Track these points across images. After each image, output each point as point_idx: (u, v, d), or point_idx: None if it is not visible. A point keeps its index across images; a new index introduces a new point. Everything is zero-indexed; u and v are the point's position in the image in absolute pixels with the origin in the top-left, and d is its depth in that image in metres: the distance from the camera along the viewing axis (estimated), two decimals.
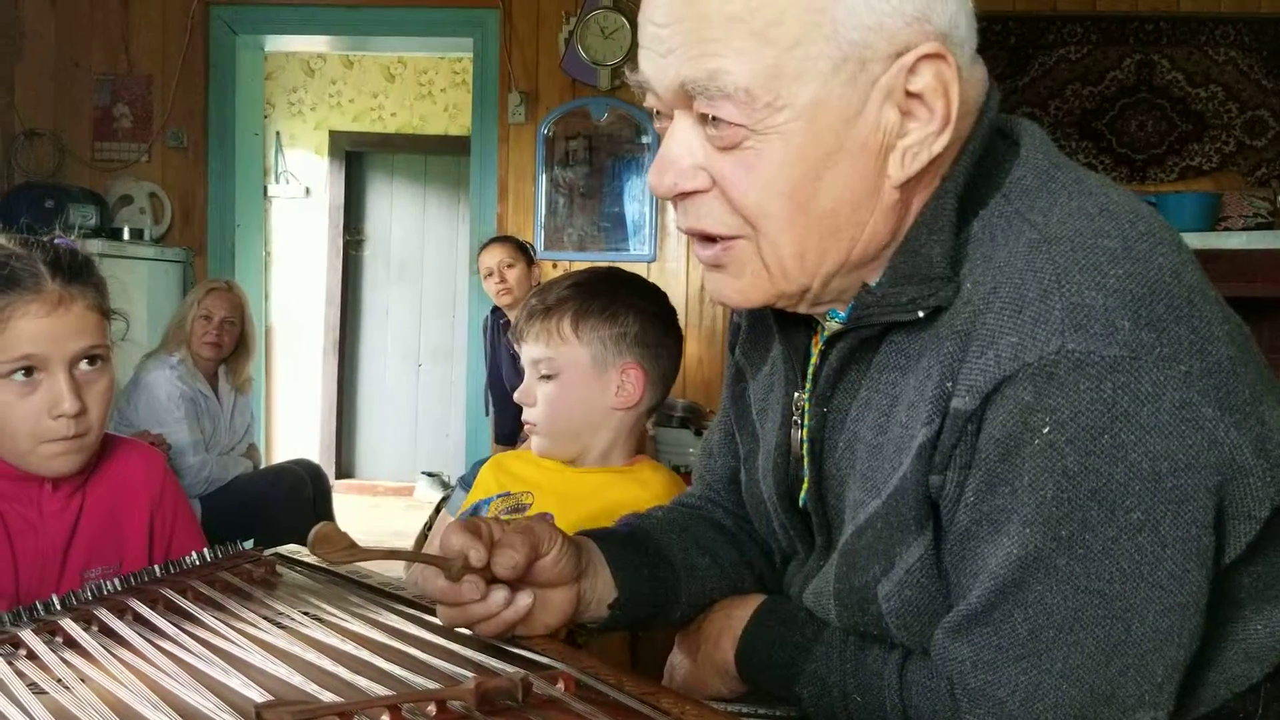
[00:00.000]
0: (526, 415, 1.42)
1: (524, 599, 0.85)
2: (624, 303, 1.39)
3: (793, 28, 0.73)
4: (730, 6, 0.74)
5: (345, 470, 6.15)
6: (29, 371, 1.23)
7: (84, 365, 1.27)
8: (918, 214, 0.81)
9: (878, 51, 0.74)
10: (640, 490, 1.37)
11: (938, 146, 0.77)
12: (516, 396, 1.42)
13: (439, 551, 0.84)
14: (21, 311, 1.22)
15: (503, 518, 1.39)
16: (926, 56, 0.74)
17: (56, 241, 1.31)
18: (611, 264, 4.19)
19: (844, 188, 0.77)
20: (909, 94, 0.76)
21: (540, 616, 0.88)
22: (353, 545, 0.77)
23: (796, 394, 0.92)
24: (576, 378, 1.37)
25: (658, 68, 0.78)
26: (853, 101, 0.75)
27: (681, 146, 0.79)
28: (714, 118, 0.76)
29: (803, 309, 0.86)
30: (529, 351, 1.40)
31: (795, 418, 0.92)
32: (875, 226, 0.80)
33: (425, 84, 5.91)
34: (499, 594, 0.84)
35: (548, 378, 1.38)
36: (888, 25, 0.73)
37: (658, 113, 0.83)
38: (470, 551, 0.82)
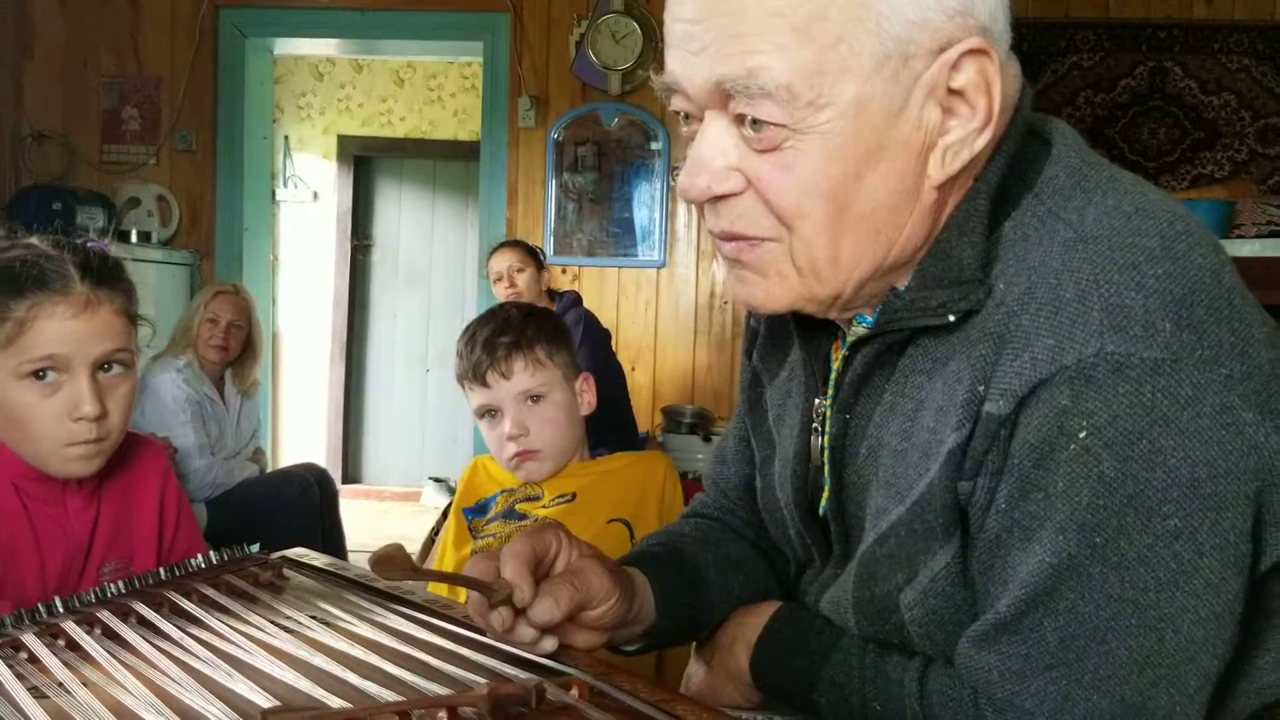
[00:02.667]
0: (524, 445, 1.48)
1: (548, 645, 0.82)
2: (558, 323, 1.57)
3: (835, 23, 0.70)
4: (770, 2, 0.71)
5: (352, 475, 6.13)
6: (50, 372, 1.22)
7: (107, 370, 1.26)
8: (949, 215, 0.79)
9: (921, 47, 0.72)
10: (629, 458, 1.59)
11: (979, 144, 0.75)
12: (510, 432, 1.48)
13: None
14: (48, 312, 1.21)
15: (520, 506, 1.43)
16: (970, 52, 0.72)
17: (89, 245, 1.30)
18: (619, 270, 4.21)
19: (884, 188, 0.75)
20: (951, 91, 0.73)
21: (569, 640, 0.86)
22: (413, 567, 0.76)
23: (817, 400, 0.90)
24: (562, 397, 1.50)
25: (689, 66, 0.75)
26: (895, 99, 0.72)
27: (714, 148, 0.76)
28: (753, 119, 0.73)
29: (832, 314, 0.83)
30: (514, 385, 1.48)
31: (815, 425, 0.90)
32: (912, 228, 0.77)
33: (434, 88, 5.91)
34: (527, 633, 0.81)
35: (536, 400, 1.48)
36: (931, 20, 0.71)
37: (686, 116, 0.79)
38: (515, 591, 0.80)
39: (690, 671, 1.04)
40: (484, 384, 1.48)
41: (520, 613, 0.81)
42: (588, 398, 1.53)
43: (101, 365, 1.25)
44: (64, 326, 1.22)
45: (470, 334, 1.53)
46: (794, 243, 0.77)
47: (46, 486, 1.28)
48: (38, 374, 1.22)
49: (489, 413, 1.50)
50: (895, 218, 0.77)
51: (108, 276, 1.27)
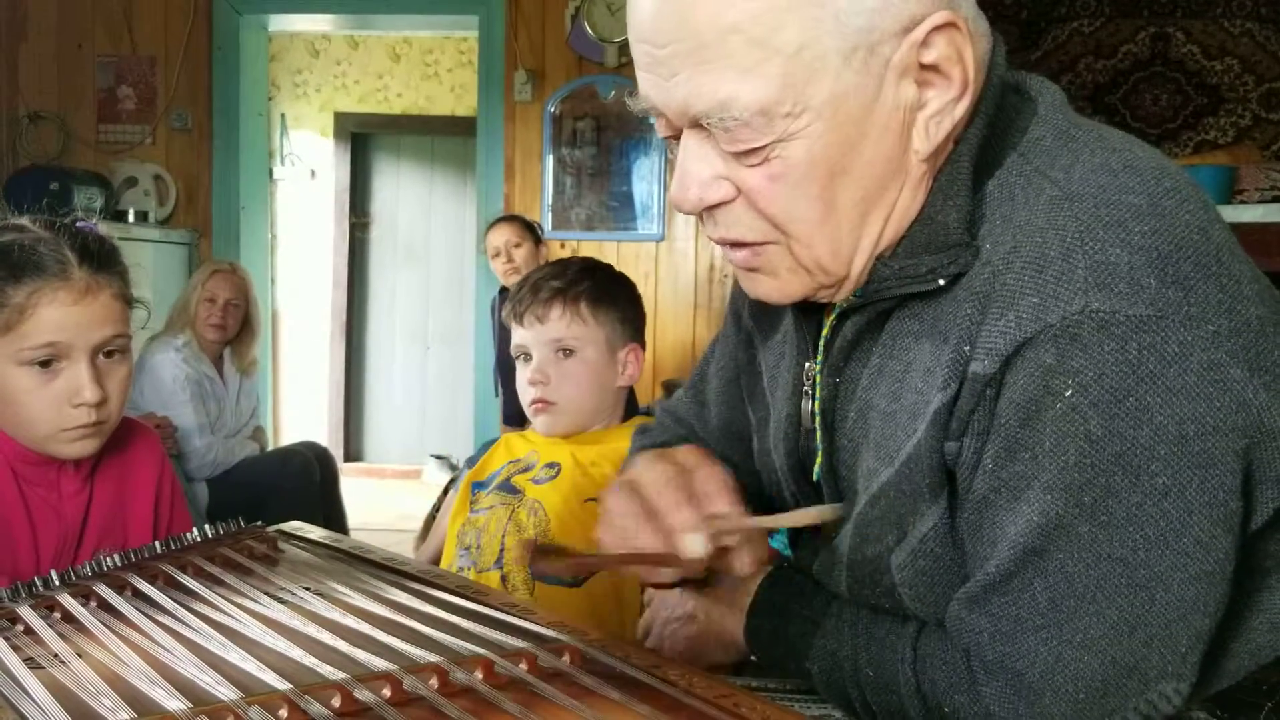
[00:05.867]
0: (540, 394, 1.46)
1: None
2: (621, 287, 1.51)
3: (794, 30, 0.70)
4: (726, 17, 0.70)
5: (354, 453, 6.14)
6: (52, 360, 1.22)
7: (106, 355, 1.26)
8: (932, 180, 0.78)
9: (886, 32, 0.71)
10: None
11: (959, 111, 0.75)
12: (531, 378, 1.47)
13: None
14: (49, 299, 1.21)
15: (515, 478, 1.43)
16: (937, 27, 0.72)
17: (79, 225, 1.29)
18: (618, 245, 4.20)
19: (870, 173, 0.75)
20: (924, 66, 0.73)
21: None
22: (575, 554, 0.75)
23: (808, 364, 0.90)
24: (595, 357, 1.46)
25: (663, 92, 0.75)
26: (868, 88, 0.72)
27: (699, 160, 0.77)
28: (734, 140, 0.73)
29: (839, 298, 0.83)
30: (547, 332, 1.46)
31: (806, 388, 0.90)
32: (905, 202, 0.78)
33: (431, 64, 5.88)
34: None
35: (567, 353, 1.45)
36: (892, 2, 0.70)
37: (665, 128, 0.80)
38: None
39: (692, 609, 1.01)
40: (520, 324, 1.47)
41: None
42: (630, 370, 1.50)
43: (100, 350, 1.25)
44: (65, 313, 1.21)
45: (529, 277, 1.53)
46: (792, 244, 0.78)
47: (42, 469, 1.28)
48: (38, 361, 1.22)
49: (522, 355, 1.49)
50: (885, 196, 0.77)
51: (105, 261, 1.26)
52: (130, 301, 1.30)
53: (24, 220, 1.26)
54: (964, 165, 0.77)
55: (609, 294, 1.48)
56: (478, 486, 1.50)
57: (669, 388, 3.94)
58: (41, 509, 1.27)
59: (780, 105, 0.71)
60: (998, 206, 0.75)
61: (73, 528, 1.30)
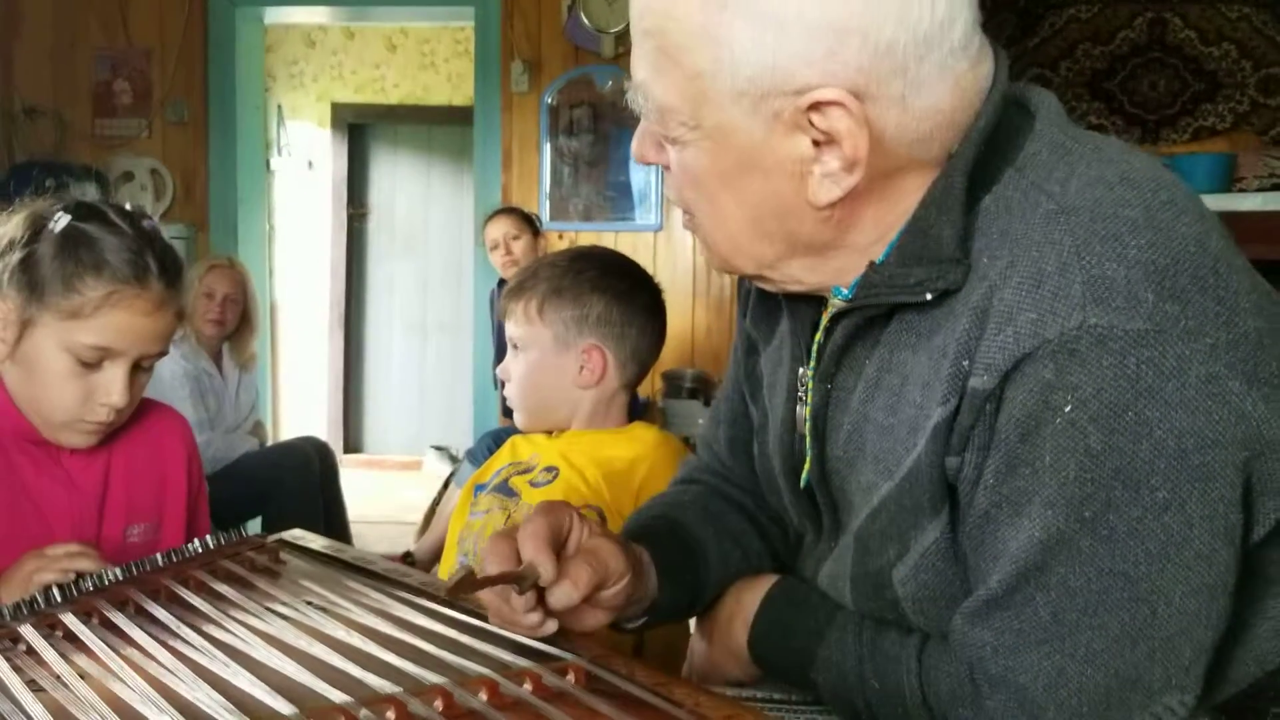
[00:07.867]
0: (505, 390, 1.50)
1: (550, 627, 0.81)
2: (592, 285, 1.45)
3: (696, 56, 0.74)
4: (662, 21, 0.75)
5: (353, 445, 6.14)
6: (100, 361, 1.21)
7: (145, 366, 1.27)
8: (925, 193, 0.77)
9: (775, 88, 0.72)
10: (636, 446, 1.45)
11: (848, 184, 0.75)
12: (497, 372, 1.52)
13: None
14: (126, 305, 1.20)
15: (513, 480, 1.43)
16: (829, 102, 0.71)
17: (147, 225, 1.27)
18: (616, 235, 4.18)
19: (760, 202, 0.78)
20: (818, 128, 0.73)
21: (575, 622, 0.84)
22: (478, 583, 0.78)
23: (801, 369, 0.90)
24: (541, 356, 1.45)
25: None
26: (756, 130, 0.75)
27: (649, 121, 0.82)
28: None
29: (770, 288, 0.87)
30: (508, 327, 1.48)
31: (800, 394, 0.90)
32: (811, 234, 0.79)
33: (427, 54, 5.85)
34: (532, 617, 0.81)
35: (517, 350, 1.47)
36: (783, 66, 0.71)
37: None
38: (541, 569, 0.79)
39: (692, 647, 1.04)
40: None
41: (541, 598, 0.80)
42: (586, 371, 1.45)
43: (143, 361, 1.25)
44: (135, 322, 1.20)
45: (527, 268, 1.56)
46: (699, 223, 0.83)
47: (44, 447, 1.27)
48: (87, 356, 1.20)
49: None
50: (784, 225, 0.79)
51: (177, 276, 1.26)
52: (182, 319, 1.30)
53: (107, 210, 1.24)
54: (958, 180, 0.76)
55: (570, 290, 1.44)
56: (479, 489, 1.50)
57: (669, 379, 3.93)
58: (46, 487, 1.27)
59: (677, 114, 0.76)
60: (994, 221, 0.75)
61: (88, 505, 1.29)
